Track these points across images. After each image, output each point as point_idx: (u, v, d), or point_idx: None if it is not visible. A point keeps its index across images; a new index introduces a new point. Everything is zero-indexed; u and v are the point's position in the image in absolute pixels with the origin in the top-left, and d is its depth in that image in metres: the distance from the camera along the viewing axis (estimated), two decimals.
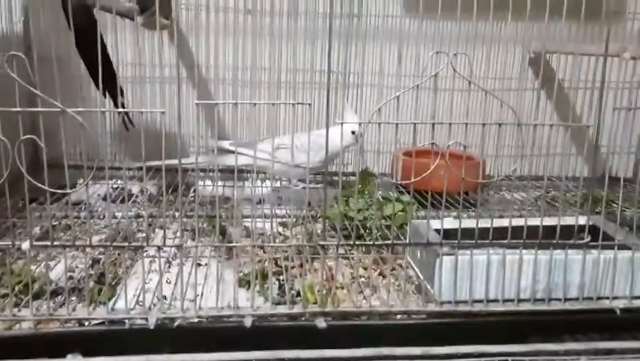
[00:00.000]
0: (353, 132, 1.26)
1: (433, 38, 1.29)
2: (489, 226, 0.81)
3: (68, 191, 0.75)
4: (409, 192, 1.26)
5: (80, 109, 0.70)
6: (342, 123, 0.78)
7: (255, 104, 0.74)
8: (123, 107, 1.25)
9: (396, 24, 1.46)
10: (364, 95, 1.54)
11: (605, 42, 0.84)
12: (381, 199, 1.23)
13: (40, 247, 0.77)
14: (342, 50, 1.40)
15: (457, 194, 0.93)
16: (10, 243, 0.74)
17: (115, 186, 1.38)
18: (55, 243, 0.75)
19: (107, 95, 1.17)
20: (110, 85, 1.19)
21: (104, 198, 1.32)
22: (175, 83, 0.72)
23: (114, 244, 0.78)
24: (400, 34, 1.46)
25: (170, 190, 1.35)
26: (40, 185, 0.71)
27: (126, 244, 0.76)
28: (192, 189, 1.40)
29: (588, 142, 0.92)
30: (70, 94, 0.75)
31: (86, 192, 0.81)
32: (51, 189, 0.73)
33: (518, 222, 0.84)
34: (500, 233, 0.82)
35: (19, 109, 0.69)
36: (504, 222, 0.86)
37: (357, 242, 0.82)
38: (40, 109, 0.70)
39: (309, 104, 0.74)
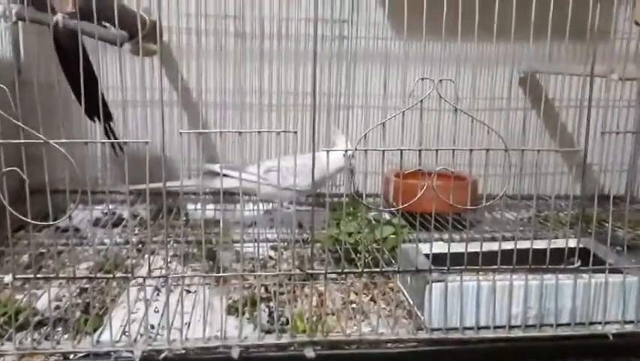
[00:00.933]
0: (345, 153, 1.26)
1: (419, 60, 1.30)
2: (479, 250, 0.80)
3: (51, 223, 0.74)
4: (401, 215, 1.26)
5: (62, 140, 0.69)
6: (328, 151, 0.78)
7: (240, 132, 0.73)
8: (112, 131, 1.26)
9: (383, 46, 1.47)
10: (352, 117, 1.54)
11: (592, 64, 0.84)
12: (373, 221, 1.23)
13: (23, 279, 0.75)
14: (329, 72, 1.41)
15: (448, 214, 0.92)
16: None
17: (105, 210, 1.37)
18: (39, 275, 0.74)
19: (97, 120, 1.18)
20: (99, 110, 1.19)
21: (94, 224, 1.31)
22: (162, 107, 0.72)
23: (99, 275, 0.77)
24: (387, 56, 1.46)
25: (159, 215, 1.35)
26: (22, 217, 0.70)
27: (111, 275, 0.75)
28: (183, 213, 1.39)
29: (577, 164, 0.91)
30: (65, 118, 0.74)
31: (73, 219, 0.80)
32: (34, 222, 0.72)
33: (508, 245, 0.84)
34: (490, 257, 0.81)
35: (0, 141, 0.69)
36: (494, 246, 0.86)
37: (345, 270, 0.82)
38: (22, 141, 0.69)
39: (295, 132, 0.74)
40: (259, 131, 0.75)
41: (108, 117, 1.21)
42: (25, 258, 1.12)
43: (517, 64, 1.47)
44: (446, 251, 0.83)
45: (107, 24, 0.99)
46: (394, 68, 1.41)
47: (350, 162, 1.28)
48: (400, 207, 0.77)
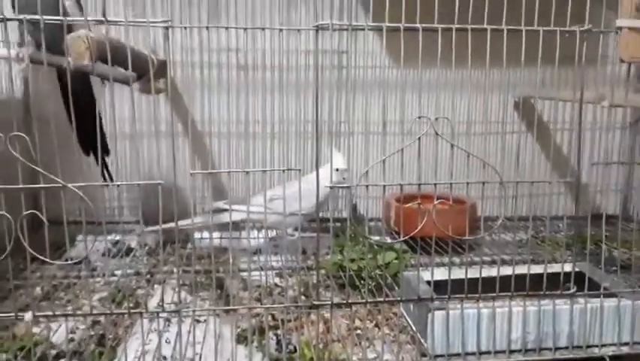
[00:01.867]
0: (337, 169, 1.30)
1: (416, 87, 1.35)
2: (478, 276, 0.84)
3: (72, 262, 0.77)
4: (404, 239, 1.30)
5: (80, 184, 0.73)
6: (317, 169, 0.81)
7: (247, 172, 0.77)
8: (105, 164, 1.29)
9: (381, 75, 1.51)
10: (353, 143, 1.57)
11: (580, 95, 0.88)
12: (375, 246, 1.26)
13: (41, 316, 0.78)
14: (329, 100, 1.45)
15: (445, 238, 0.95)
16: (12, 314, 0.76)
17: (114, 241, 1.40)
18: (57, 313, 0.77)
19: (92, 154, 1.22)
20: (100, 146, 1.23)
21: (104, 254, 1.34)
22: (169, 137, 0.76)
23: (114, 311, 0.80)
24: (385, 83, 1.51)
25: (167, 245, 1.39)
26: (41, 257, 0.73)
27: (126, 311, 0.78)
28: (189, 242, 1.43)
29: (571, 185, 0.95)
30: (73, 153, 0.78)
31: (85, 250, 0.84)
32: (58, 262, 0.75)
33: (507, 270, 0.87)
34: (489, 283, 0.85)
35: (21, 186, 0.72)
36: (493, 272, 0.89)
37: (350, 300, 0.85)
38: (42, 185, 0.73)
39: (299, 170, 0.78)
40: (264, 170, 0.78)
41: (106, 151, 1.25)
42: (37, 290, 1.15)
43: (510, 89, 1.52)
44: (446, 278, 0.86)
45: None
46: (392, 95, 1.45)
47: (343, 177, 1.31)
48: (402, 238, 0.80)
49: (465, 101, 1.25)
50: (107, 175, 1.27)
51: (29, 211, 0.72)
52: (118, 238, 1.42)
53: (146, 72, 1.03)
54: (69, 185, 0.72)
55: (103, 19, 0.69)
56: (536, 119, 1.41)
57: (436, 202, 0.79)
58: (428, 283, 0.91)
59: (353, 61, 1.52)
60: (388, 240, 1.41)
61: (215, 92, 1.46)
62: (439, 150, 0.78)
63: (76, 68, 0.90)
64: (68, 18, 0.68)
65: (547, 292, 0.85)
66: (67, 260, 1.24)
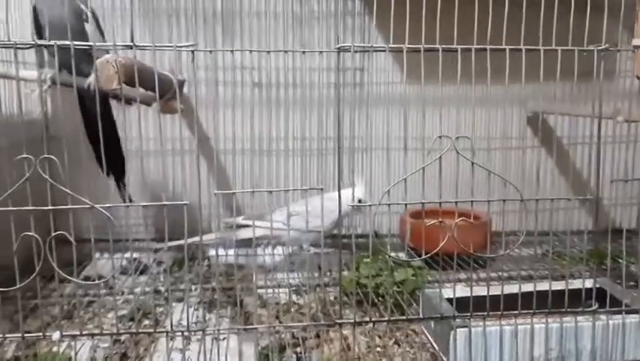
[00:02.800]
0: (360, 201, 1.30)
1: (435, 102, 1.36)
2: (499, 293, 0.84)
3: (97, 281, 0.78)
4: (418, 255, 1.30)
5: (107, 205, 0.74)
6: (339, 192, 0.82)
7: (270, 191, 0.78)
8: (124, 184, 1.31)
9: (399, 90, 1.52)
10: (373, 158, 1.58)
11: (599, 112, 0.89)
12: (391, 263, 1.26)
13: (68, 336, 0.79)
14: (349, 116, 1.47)
15: (465, 254, 0.96)
16: (41, 334, 0.77)
17: (130, 258, 1.41)
18: (84, 332, 0.78)
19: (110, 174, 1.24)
20: (117, 166, 1.25)
21: (122, 272, 1.35)
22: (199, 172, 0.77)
23: (140, 331, 0.81)
24: (400, 99, 1.52)
25: (184, 262, 1.39)
26: (73, 279, 0.74)
27: (151, 330, 0.79)
28: (206, 258, 1.44)
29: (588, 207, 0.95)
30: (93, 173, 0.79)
31: (102, 267, 0.84)
32: (82, 281, 0.76)
33: (528, 287, 0.87)
34: (511, 300, 0.85)
35: (50, 207, 0.74)
36: (514, 289, 0.89)
37: (373, 318, 0.85)
38: (70, 206, 0.74)
39: (321, 189, 0.78)
40: (286, 190, 0.79)
41: (123, 172, 1.27)
42: (58, 308, 1.16)
43: (525, 104, 1.53)
44: (467, 295, 0.87)
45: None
46: (410, 112, 1.46)
47: (360, 200, 1.32)
48: (424, 256, 0.80)
49: (483, 117, 1.26)
50: (124, 195, 1.28)
51: (58, 232, 0.73)
52: (134, 255, 1.43)
53: (165, 92, 1.04)
54: (96, 206, 0.73)
55: (131, 44, 0.70)
56: (551, 134, 1.41)
57: (457, 220, 0.80)
58: (448, 300, 0.91)
59: (369, 78, 1.53)
60: (403, 255, 1.42)
61: (231, 109, 1.47)
62: (459, 166, 0.79)
63: (106, 91, 0.92)
64: (98, 44, 0.70)
65: (569, 309, 0.85)
66: (87, 279, 1.27)
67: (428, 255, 0.81)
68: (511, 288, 0.91)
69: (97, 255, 1.39)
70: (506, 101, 1.41)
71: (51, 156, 0.72)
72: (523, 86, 0.81)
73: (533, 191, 0.86)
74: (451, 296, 0.92)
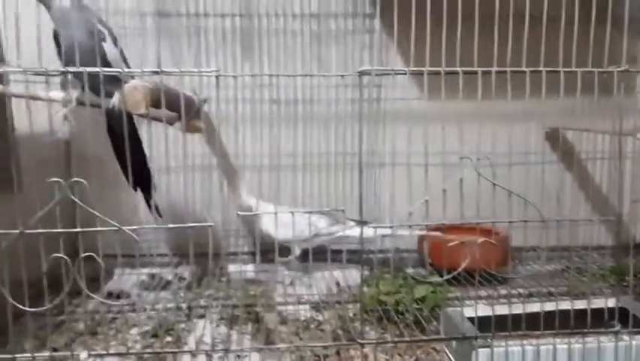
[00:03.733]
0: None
1: (452, 117, 1.36)
2: (520, 312, 0.84)
3: (121, 302, 0.79)
4: (438, 271, 1.30)
5: (133, 227, 0.75)
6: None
7: (292, 213, 0.79)
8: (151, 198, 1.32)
9: (415, 106, 1.52)
10: (390, 174, 1.58)
11: (619, 128, 0.89)
12: (409, 279, 1.26)
13: (96, 355, 0.81)
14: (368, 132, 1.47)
15: (484, 270, 0.96)
16: (69, 353, 0.78)
17: (150, 273, 1.43)
18: (111, 351, 0.79)
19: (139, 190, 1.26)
20: (145, 183, 1.27)
21: (142, 287, 1.36)
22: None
23: (167, 350, 0.82)
24: (419, 116, 1.52)
25: (203, 277, 1.41)
26: (99, 298, 0.76)
27: (176, 350, 0.80)
28: (224, 273, 1.45)
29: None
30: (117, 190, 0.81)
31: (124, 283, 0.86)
32: (109, 301, 0.78)
33: (550, 306, 0.87)
34: (533, 319, 0.85)
35: (79, 230, 0.75)
36: (535, 308, 0.89)
37: (394, 338, 0.85)
38: (98, 228, 0.75)
39: (342, 210, 0.79)
40: (311, 211, 0.80)
41: (150, 188, 1.29)
42: (81, 326, 1.17)
43: (542, 120, 1.52)
44: (488, 314, 0.87)
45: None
46: (429, 128, 1.46)
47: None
48: (445, 277, 0.81)
49: (502, 133, 1.26)
50: (155, 212, 1.29)
51: (88, 253, 0.74)
52: (155, 271, 1.44)
53: (188, 112, 1.07)
54: (124, 228, 0.75)
55: (158, 69, 0.72)
56: (569, 149, 1.41)
57: (479, 240, 0.80)
58: (470, 319, 0.91)
59: (385, 94, 1.54)
60: (422, 272, 1.42)
61: (249, 126, 1.49)
62: (479, 184, 0.80)
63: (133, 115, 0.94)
64: (126, 70, 0.72)
65: (591, 330, 0.85)
66: (109, 294, 1.29)
67: (451, 275, 0.82)
68: (533, 307, 0.92)
69: (118, 270, 1.41)
70: (525, 117, 1.41)
71: (81, 180, 0.74)
72: (541, 100, 0.82)
73: (553, 207, 0.87)
74: (472, 315, 0.92)
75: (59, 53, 1.09)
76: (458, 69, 0.78)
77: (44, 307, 0.75)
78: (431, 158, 1.30)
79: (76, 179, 0.74)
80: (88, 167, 1.37)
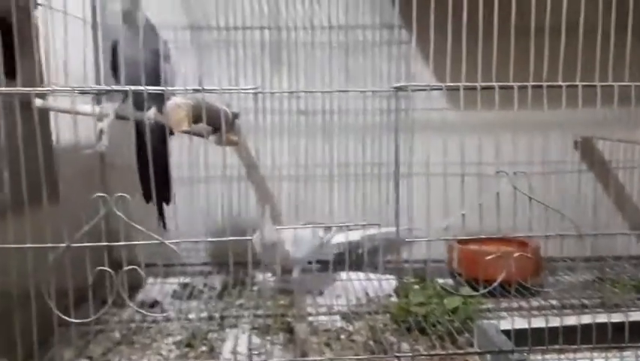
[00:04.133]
0: None
1: (478, 128, 1.36)
2: (558, 325, 0.84)
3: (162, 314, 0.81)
4: (466, 281, 1.30)
5: (177, 240, 0.77)
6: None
7: (329, 227, 0.80)
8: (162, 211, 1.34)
9: (444, 116, 1.52)
10: (419, 184, 1.58)
11: None
12: (440, 290, 1.27)
13: None
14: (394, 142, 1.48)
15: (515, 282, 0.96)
16: None
17: (181, 283, 1.45)
18: None
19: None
20: (160, 193, 1.28)
21: (174, 296, 1.38)
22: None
23: None
24: (449, 126, 1.51)
25: (233, 286, 1.43)
26: (140, 310, 0.78)
27: (213, 360, 0.82)
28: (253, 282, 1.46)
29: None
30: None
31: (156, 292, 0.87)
32: (147, 312, 0.79)
33: (586, 319, 0.87)
34: (569, 332, 0.85)
35: (122, 243, 0.77)
36: (571, 320, 0.89)
37: (429, 351, 0.86)
38: (141, 242, 0.77)
39: (379, 225, 0.80)
40: (343, 225, 0.81)
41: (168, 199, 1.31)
42: (117, 335, 1.20)
43: (574, 129, 1.51)
44: (523, 326, 0.87)
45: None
46: (458, 137, 1.46)
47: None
48: (481, 290, 0.81)
49: (535, 144, 1.26)
50: (162, 221, 1.31)
51: (130, 267, 0.76)
52: (187, 280, 1.46)
53: (220, 126, 1.08)
54: (166, 242, 0.77)
55: (200, 87, 0.74)
56: (601, 159, 1.40)
57: (515, 254, 0.80)
58: (505, 332, 0.91)
59: (413, 103, 1.54)
60: (450, 281, 1.42)
61: (278, 137, 1.51)
62: (508, 194, 0.80)
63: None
64: (169, 88, 0.74)
65: (629, 344, 0.84)
66: (142, 303, 1.31)
67: (488, 288, 0.82)
68: (569, 320, 0.91)
69: (150, 280, 1.44)
70: (555, 127, 1.40)
71: (125, 195, 0.76)
72: (574, 111, 0.82)
73: (586, 217, 0.86)
74: (507, 328, 0.92)
75: (114, 69, 1.12)
76: (494, 84, 0.79)
77: (89, 319, 0.77)
78: (457, 168, 1.30)
79: (120, 194, 0.76)
80: (119, 177, 1.41)
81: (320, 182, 1.53)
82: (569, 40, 0.83)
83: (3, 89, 0.77)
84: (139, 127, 1.20)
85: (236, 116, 1.17)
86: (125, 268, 0.77)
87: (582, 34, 0.82)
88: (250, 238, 0.79)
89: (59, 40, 1.18)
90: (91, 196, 0.76)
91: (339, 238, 1.38)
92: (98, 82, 1.46)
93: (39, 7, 1.19)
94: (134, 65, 0.79)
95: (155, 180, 0.81)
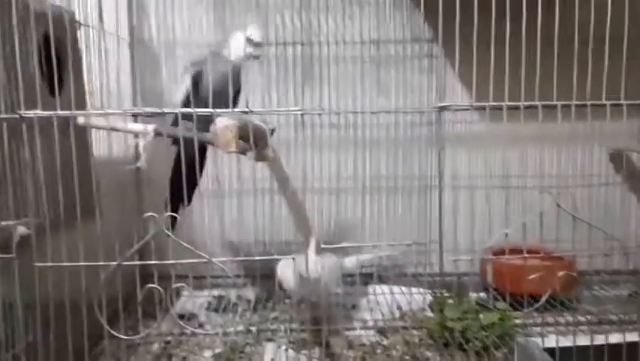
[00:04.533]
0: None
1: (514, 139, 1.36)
2: (603, 343, 0.83)
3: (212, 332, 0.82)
4: (502, 295, 1.30)
5: (223, 258, 0.79)
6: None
7: (375, 245, 0.81)
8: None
9: (479, 129, 1.52)
10: (456, 197, 1.58)
11: None
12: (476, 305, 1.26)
13: None
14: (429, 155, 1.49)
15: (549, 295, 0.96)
16: None
17: (215, 295, 1.46)
18: None
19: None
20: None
21: (208, 309, 1.40)
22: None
23: None
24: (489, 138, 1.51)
25: (267, 298, 1.45)
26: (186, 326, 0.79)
27: None
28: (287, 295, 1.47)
29: None
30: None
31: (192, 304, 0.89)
32: (193, 329, 0.81)
33: (633, 337, 0.86)
34: (613, 351, 0.84)
35: (172, 261, 0.79)
36: (615, 338, 0.88)
37: None
38: (190, 260, 0.79)
39: (424, 244, 0.81)
40: (392, 245, 0.82)
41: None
42: (155, 347, 1.22)
43: (607, 141, 1.50)
44: (567, 345, 0.86)
45: None
46: (498, 151, 1.45)
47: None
48: (527, 309, 0.81)
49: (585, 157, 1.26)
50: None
51: (179, 284, 0.78)
52: (221, 293, 1.48)
53: (258, 142, 1.10)
54: (213, 260, 0.78)
55: (248, 109, 0.76)
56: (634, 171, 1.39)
57: (561, 274, 0.80)
58: (548, 350, 0.91)
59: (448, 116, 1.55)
60: (483, 295, 1.42)
61: (310, 150, 1.52)
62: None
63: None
64: (217, 110, 0.75)
65: None
66: (180, 315, 1.32)
67: (534, 307, 0.82)
68: (613, 337, 0.90)
69: (186, 292, 1.46)
70: (597, 139, 1.40)
71: (174, 214, 0.78)
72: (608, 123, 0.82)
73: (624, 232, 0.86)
74: (551, 345, 0.91)
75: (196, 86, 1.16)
76: (537, 103, 0.79)
77: (140, 335, 0.79)
78: (500, 181, 1.29)
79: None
80: (153, 192, 1.44)
81: (352, 195, 1.54)
82: (613, 55, 0.83)
83: (60, 112, 0.79)
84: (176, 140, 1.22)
85: (272, 132, 1.18)
86: (175, 285, 0.78)
87: (626, 50, 0.82)
88: (277, 257, 0.80)
89: (99, 58, 1.22)
90: (126, 212, 0.79)
91: (369, 256, 1.39)
92: (134, 99, 1.50)
93: (82, 27, 1.22)
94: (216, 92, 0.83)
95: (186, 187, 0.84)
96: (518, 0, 0.84)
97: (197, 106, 0.81)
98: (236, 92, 1.11)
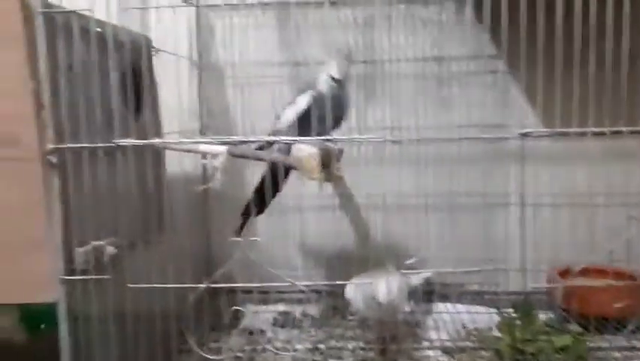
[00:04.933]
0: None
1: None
2: None
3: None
4: (572, 317, 1.27)
5: (308, 283, 0.80)
6: None
7: (453, 272, 0.81)
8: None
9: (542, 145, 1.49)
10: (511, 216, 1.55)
11: None
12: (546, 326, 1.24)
13: None
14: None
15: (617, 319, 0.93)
16: None
17: (281, 311, 1.48)
18: None
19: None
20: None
21: (275, 325, 1.42)
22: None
23: None
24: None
25: (330, 314, 1.46)
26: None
27: None
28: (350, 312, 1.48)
29: None
30: None
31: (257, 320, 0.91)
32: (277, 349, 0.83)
33: None
34: None
35: (256, 285, 0.82)
36: None
37: None
38: (272, 283, 0.81)
39: (504, 269, 0.81)
40: (467, 271, 0.82)
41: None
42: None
43: None
44: None
45: None
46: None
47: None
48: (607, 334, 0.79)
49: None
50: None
51: (263, 307, 0.80)
52: (285, 308, 1.50)
53: (330, 163, 1.12)
54: (296, 283, 0.80)
55: (329, 137, 0.77)
56: None
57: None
58: None
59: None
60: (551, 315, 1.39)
61: (372, 166, 1.52)
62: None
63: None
64: (301, 138, 0.78)
65: None
66: (246, 330, 1.35)
67: (620, 332, 0.80)
68: None
69: (251, 307, 1.48)
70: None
71: (256, 238, 0.80)
72: None
73: None
74: None
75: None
76: (605, 130, 0.78)
77: (222, 357, 0.81)
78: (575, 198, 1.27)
79: (253, 238, 0.80)
80: (221, 210, 1.47)
81: (413, 212, 1.54)
82: None
83: (155, 140, 0.83)
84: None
85: (341, 153, 1.20)
86: (256, 309, 0.80)
87: None
88: (345, 283, 0.81)
89: (171, 81, 1.27)
90: (195, 230, 0.82)
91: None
92: (201, 120, 1.55)
93: (158, 52, 1.28)
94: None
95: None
96: (585, 19, 0.83)
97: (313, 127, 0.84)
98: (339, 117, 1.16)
